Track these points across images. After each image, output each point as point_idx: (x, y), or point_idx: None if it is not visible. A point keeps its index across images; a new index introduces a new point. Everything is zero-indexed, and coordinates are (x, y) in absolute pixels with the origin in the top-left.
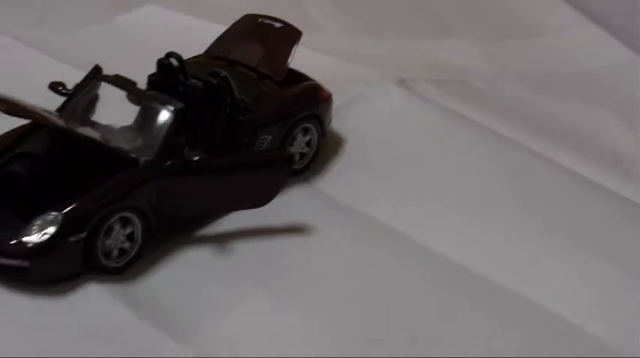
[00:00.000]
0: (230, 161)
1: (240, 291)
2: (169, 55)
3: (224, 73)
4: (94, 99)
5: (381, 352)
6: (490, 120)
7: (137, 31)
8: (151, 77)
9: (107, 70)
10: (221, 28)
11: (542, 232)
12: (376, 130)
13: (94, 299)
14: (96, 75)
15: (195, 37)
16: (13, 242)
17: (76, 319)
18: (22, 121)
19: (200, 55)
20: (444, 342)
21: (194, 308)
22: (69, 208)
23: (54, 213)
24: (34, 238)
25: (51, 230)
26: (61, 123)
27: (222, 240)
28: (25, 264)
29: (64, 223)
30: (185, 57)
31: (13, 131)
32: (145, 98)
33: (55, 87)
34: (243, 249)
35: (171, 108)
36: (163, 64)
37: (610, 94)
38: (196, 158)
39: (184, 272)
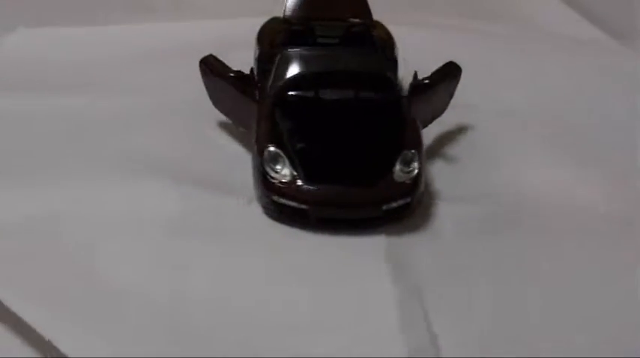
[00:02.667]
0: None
1: None
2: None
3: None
4: None
5: None
6: None
7: (17, 55)
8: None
9: None
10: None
11: None
12: None
13: None
14: None
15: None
16: (388, 186)
17: None
18: None
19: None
20: None
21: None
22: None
23: (412, 151)
24: (406, 177)
25: (416, 165)
26: None
27: None
28: (408, 200)
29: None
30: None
31: None
32: None
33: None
34: None
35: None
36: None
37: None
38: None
39: None
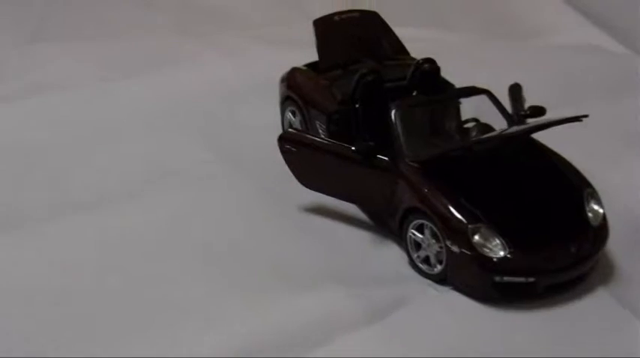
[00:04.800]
0: None
1: None
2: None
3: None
4: None
5: None
6: None
7: None
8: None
9: None
10: None
11: None
12: None
13: None
14: None
15: None
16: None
17: None
18: None
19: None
20: None
21: None
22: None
23: (588, 190)
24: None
25: (597, 202)
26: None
27: None
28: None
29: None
30: None
31: None
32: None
33: None
34: None
35: None
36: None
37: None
38: None
39: None
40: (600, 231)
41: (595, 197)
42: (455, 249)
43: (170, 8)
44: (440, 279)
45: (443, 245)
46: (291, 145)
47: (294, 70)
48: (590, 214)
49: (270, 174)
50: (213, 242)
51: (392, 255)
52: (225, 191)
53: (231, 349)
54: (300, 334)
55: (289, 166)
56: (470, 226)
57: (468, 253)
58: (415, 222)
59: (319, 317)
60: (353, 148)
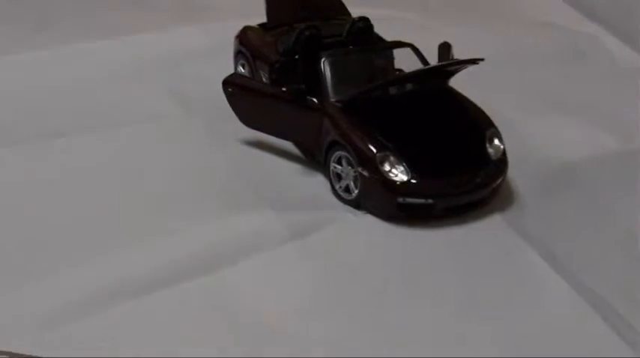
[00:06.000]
0: None
1: None
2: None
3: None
4: None
5: None
6: None
7: None
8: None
9: None
10: None
11: None
12: None
13: None
14: None
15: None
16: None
17: None
18: None
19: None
20: None
21: None
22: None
23: (491, 129)
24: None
25: (498, 141)
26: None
27: None
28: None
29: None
30: None
31: None
32: None
33: None
34: None
35: None
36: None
37: None
38: None
39: None
40: (499, 163)
41: (497, 135)
42: (365, 174)
43: None
44: (357, 205)
45: (356, 172)
46: (233, 88)
47: (245, 29)
48: (490, 149)
49: (216, 114)
50: (157, 169)
51: (317, 184)
52: (173, 127)
53: (168, 260)
54: (231, 247)
55: (232, 107)
56: (378, 154)
57: (376, 177)
58: (336, 155)
59: (248, 234)
60: (284, 89)
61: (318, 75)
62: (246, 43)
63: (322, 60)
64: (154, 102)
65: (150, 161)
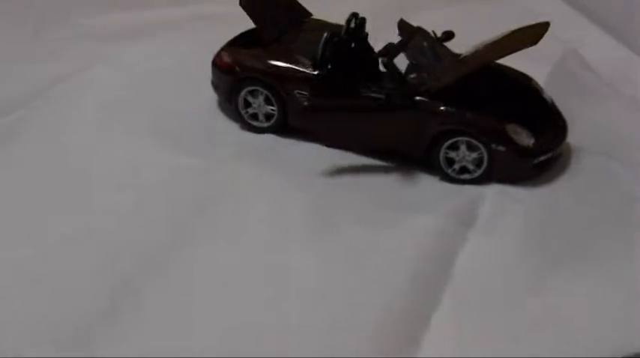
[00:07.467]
0: None
1: None
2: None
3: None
4: None
5: None
6: None
7: None
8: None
9: None
10: None
11: None
12: None
13: None
14: None
15: None
16: None
17: None
18: None
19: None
20: None
21: None
22: None
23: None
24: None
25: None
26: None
27: None
28: None
29: None
30: None
31: None
32: None
33: None
34: None
35: None
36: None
37: None
38: None
39: None
40: (559, 112)
41: (539, 86)
42: (501, 148)
43: None
44: (480, 181)
45: (481, 152)
46: (317, 111)
47: (231, 52)
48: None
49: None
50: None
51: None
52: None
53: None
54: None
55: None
56: (507, 126)
57: (512, 147)
58: (448, 143)
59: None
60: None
61: (392, 74)
62: (257, 67)
63: (385, 60)
64: None
65: (130, 112)
